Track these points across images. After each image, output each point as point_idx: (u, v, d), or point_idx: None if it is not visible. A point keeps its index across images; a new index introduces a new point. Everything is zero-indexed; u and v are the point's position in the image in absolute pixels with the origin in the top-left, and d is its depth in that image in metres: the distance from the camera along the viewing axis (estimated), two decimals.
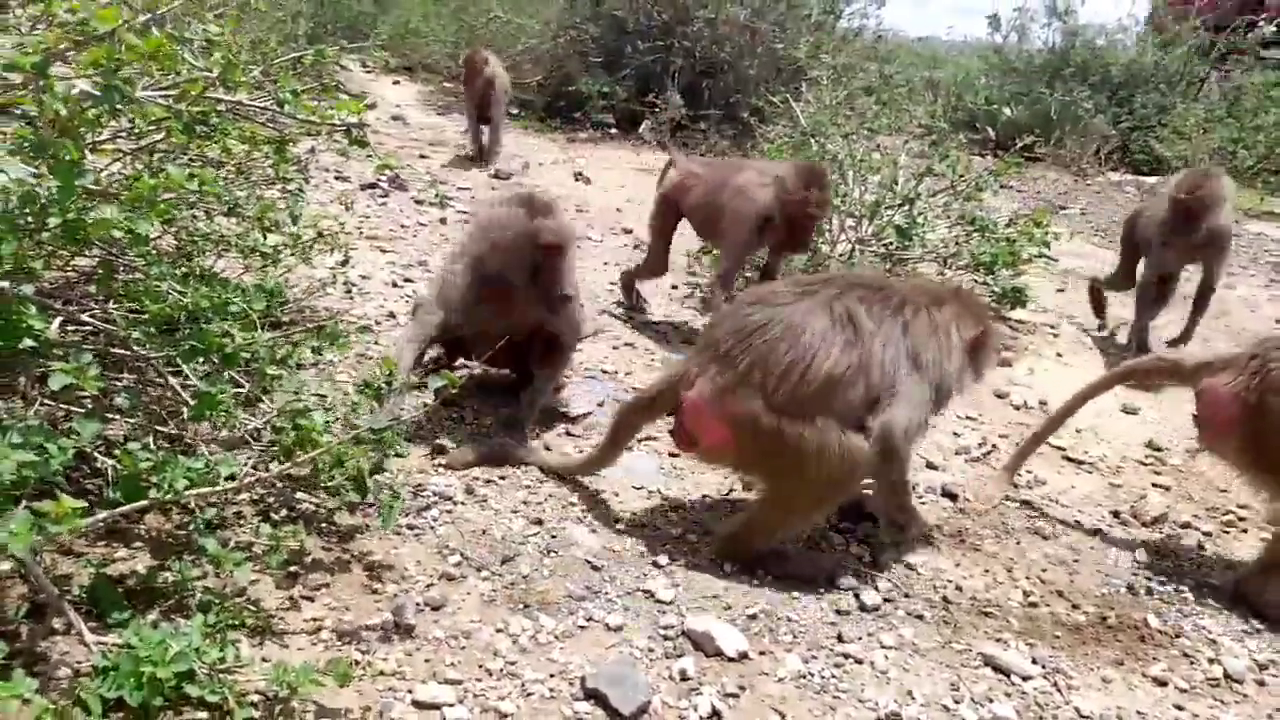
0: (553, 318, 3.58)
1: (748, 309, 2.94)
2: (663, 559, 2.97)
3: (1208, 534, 3.64)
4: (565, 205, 7.22)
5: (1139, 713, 2.60)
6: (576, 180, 8.34)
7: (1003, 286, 5.86)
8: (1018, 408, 4.66)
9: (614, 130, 10.74)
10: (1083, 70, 14.05)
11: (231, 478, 2.33)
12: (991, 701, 2.55)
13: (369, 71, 12.26)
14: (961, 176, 6.15)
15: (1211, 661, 2.87)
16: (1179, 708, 2.65)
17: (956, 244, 6.05)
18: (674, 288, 5.89)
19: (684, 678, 2.46)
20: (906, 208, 5.94)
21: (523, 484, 3.32)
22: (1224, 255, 5.33)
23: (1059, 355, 5.46)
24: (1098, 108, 13.33)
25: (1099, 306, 6.07)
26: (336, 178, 6.78)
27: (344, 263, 3.88)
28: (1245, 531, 3.69)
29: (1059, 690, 2.65)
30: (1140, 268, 5.68)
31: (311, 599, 2.53)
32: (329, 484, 2.70)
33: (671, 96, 10.41)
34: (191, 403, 2.49)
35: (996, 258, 5.84)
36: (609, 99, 10.62)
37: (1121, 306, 6.10)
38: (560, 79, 11.23)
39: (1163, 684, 2.74)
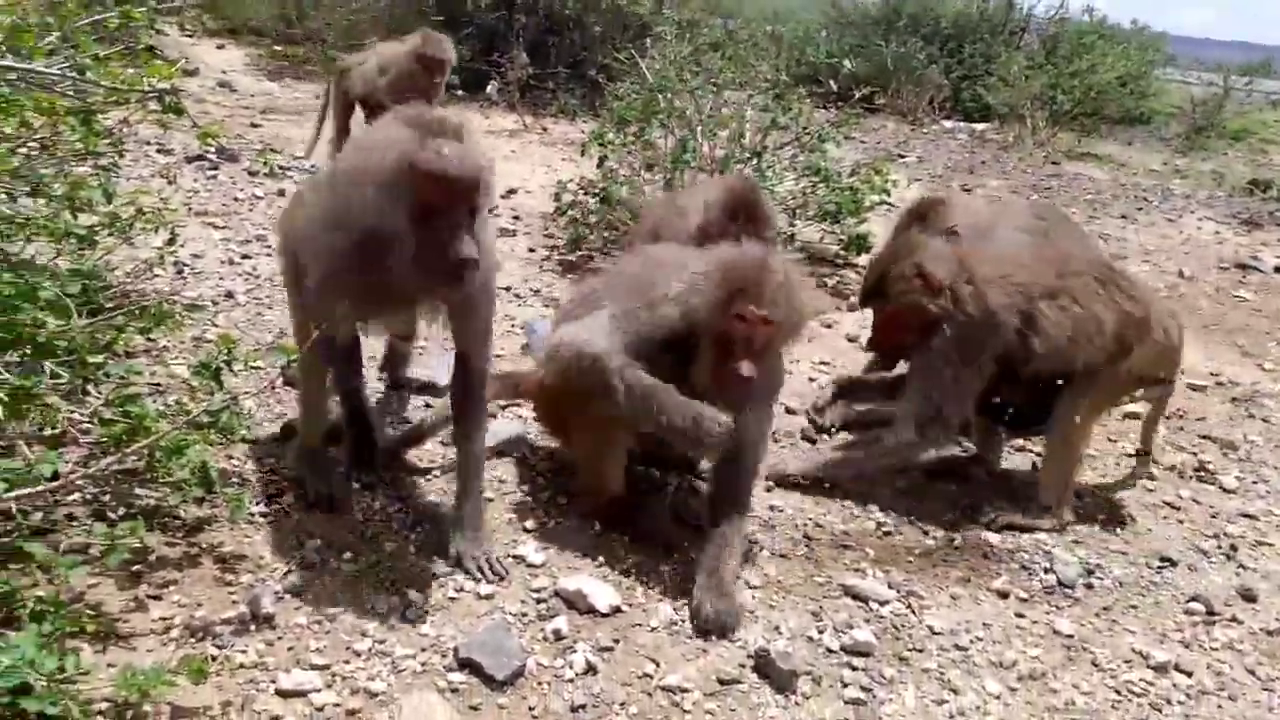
0: (448, 301, 2.63)
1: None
2: (531, 523, 2.96)
3: (1039, 455, 3.92)
4: None
5: (984, 624, 2.79)
6: None
7: (848, 234, 6.07)
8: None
9: (460, 92, 10.44)
10: (914, 22, 14.64)
11: (55, 476, 2.17)
12: (852, 628, 2.67)
13: (190, 35, 11.45)
14: (806, 129, 6.31)
15: (1047, 571, 3.11)
16: (1020, 615, 2.86)
17: (804, 194, 6.22)
18: (531, 251, 5.82)
19: (558, 637, 2.47)
20: (755, 161, 6.05)
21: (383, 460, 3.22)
22: None
23: None
24: (930, 58, 13.95)
25: None
26: (158, 150, 6.32)
27: (171, 241, 3.63)
28: None
29: (913, 611, 2.81)
30: None
31: (159, 598, 2.39)
32: (168, 478, 2.54)
33: (517, 56, 10.19)
34: (4, 399, 2.29)
35: (841, 206, 6.04)
36: None
37: None
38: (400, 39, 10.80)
39: (1005, 595, 2.95)
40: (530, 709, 2.23)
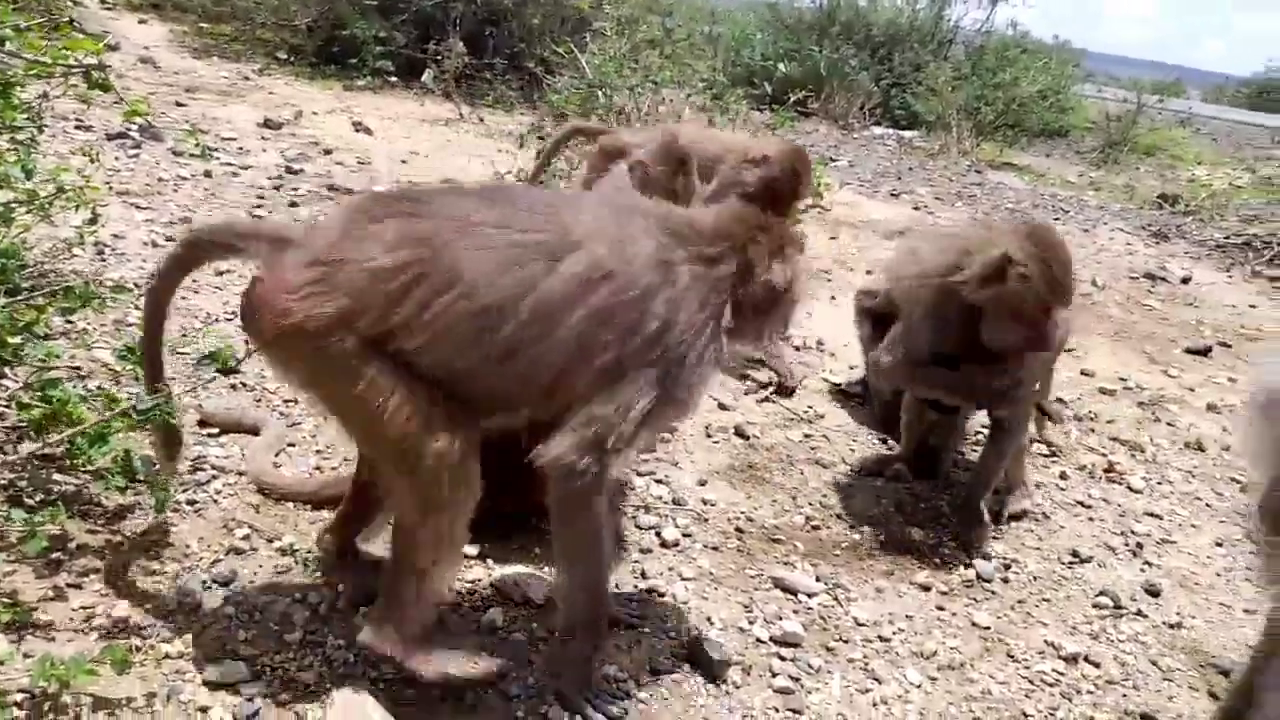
0: None
1: None
2: None
3: (960, 454, 4.06)
4: (345, 157, 6.90)
5: (907, 615, 2.89)
6: (356, 131, 7.93)
7: None
8: (798, 348, 4.96)
9: (394, 79, 10.27)
10: (847, 29, 14.91)
11: None
12: (781, 619, 2.74)
13: (109, 8, 11.01)
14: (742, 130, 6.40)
15: (966, 566, 3.22)
16: (940, 608, 2.97)
17: None
18: None
19: (492, 629, 2.47)
20: None
21: (314, 449, 3.18)
22: None
23: (832, 298, 5.84)
24: (861, 65, 14.22)
25: None
26: (77, 127, 6.07)
27: (93, 221, 3.50)
28: None
29: (839, 603, 2.90)
30: None
31: (79, 586, 2.32)
32: (88, 466, 2.46)
33: (454, 44, 10.07)
34: None
35: None
36: (387, 45, 10.13)
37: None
38: (333, 22, 10.56)
39: (926, 589, 3.06)
40: (464, 702, 2.23)
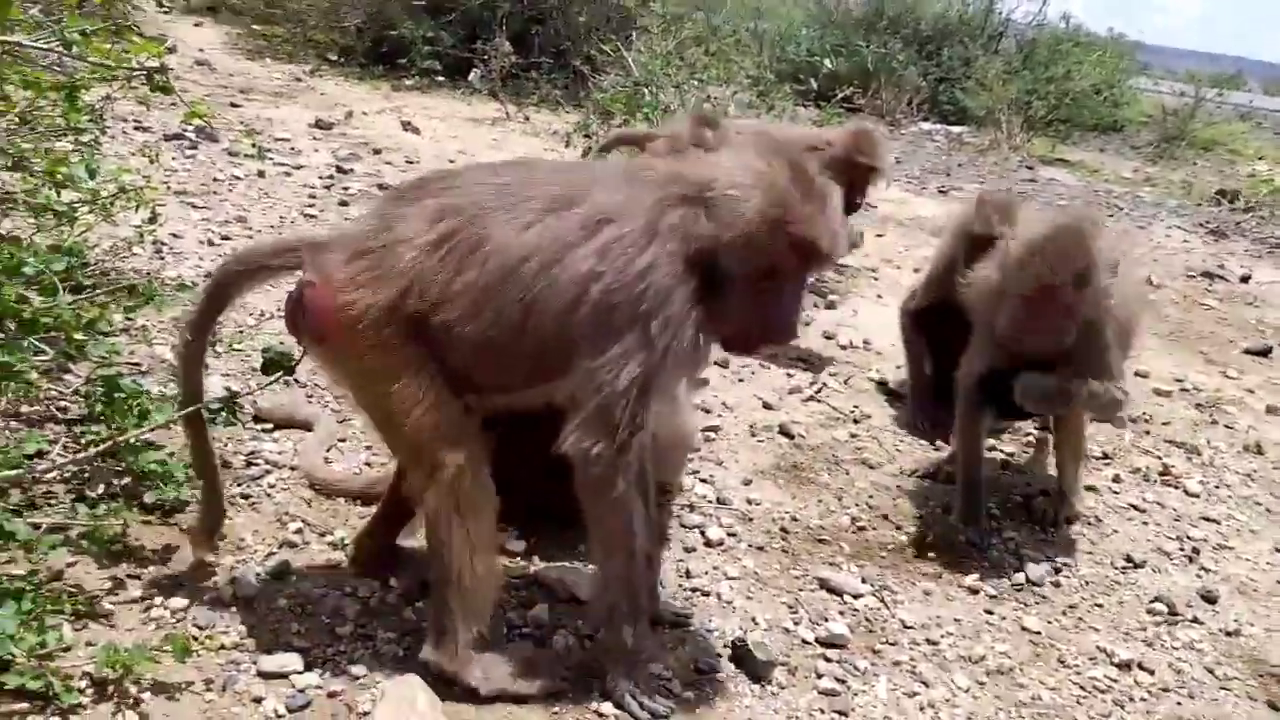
0: None
1: None
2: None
3: (1010, 454, 4.00)
4: (394, 157, 6.99)
5: (955, 619, 2.86)
6: (405, 130, 8.04)
7: None
8: (844, 347, 4.92)
9: (441, 78, 10.38)
10: (895, 24, 14.74)
11: (39, 455, 2.16)
12: (827, 620, 2.73)
13: (165, 11, 11.25)
14: None
15: (1016, 570, 3.17)
16: (989, 612, 2.93)
17: None
18: None
19: (538, 625, 2.50)
20: None
21: (364, 445, 3.23)
22: None
23: (879, 297, 5.78)
24: (909, 60, 14.05)
25: None
26: (136, 128, 6.24)
27: (152, 220, 3.60)
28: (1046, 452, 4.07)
29: (886, 605, 2.87)
30: None
31: (138, 577, 2.38)
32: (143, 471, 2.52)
33: (500, 43, 10.15)
34: None
35: None
36: (435, 45, 10.25)
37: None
38: (382, 23, 10.71)
39: (975, 592, 3.02)
40: None
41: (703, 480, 3.39)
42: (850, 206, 4.77)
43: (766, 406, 4.08)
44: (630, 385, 2.07)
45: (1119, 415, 3.48)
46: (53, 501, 2.54)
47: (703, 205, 2.12)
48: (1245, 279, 7.44)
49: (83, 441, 2.52)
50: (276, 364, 2.46)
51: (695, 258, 2.11)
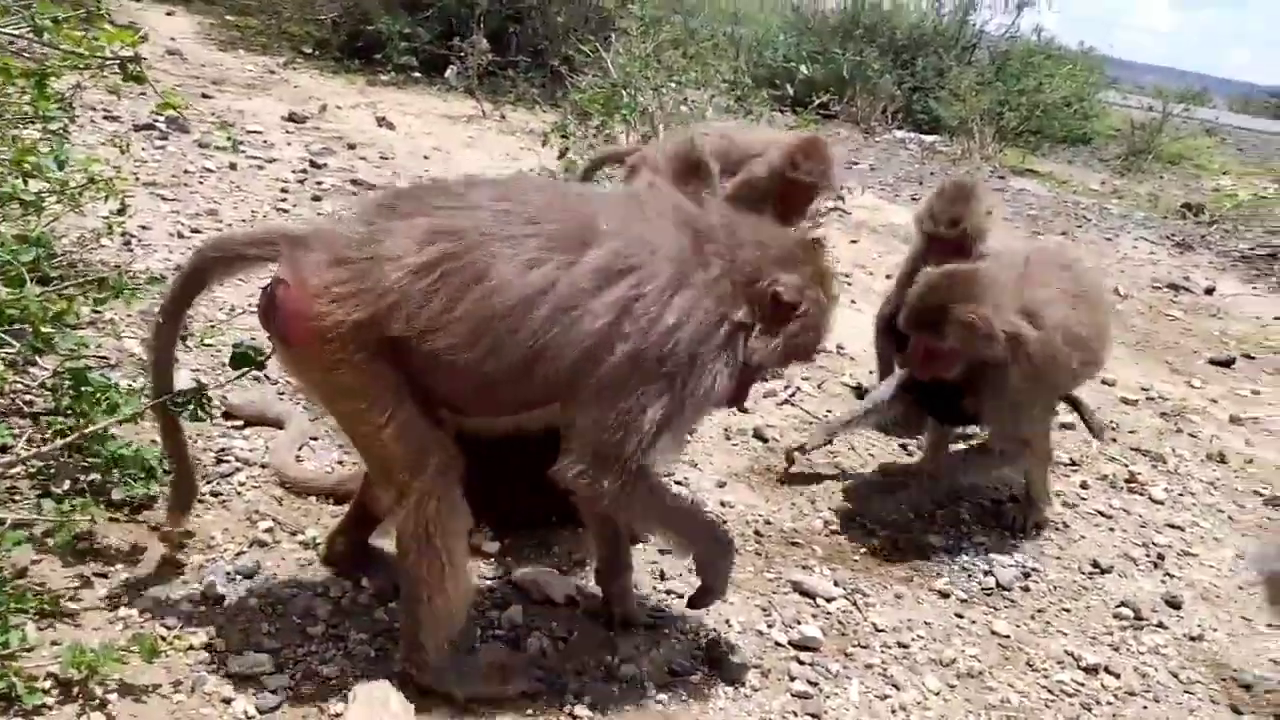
0: None
1: None
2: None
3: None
4: (368, 153, 6.93)
5: (925, 622, 2.88)
6: (379, 125, 7.97)
7: None
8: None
9: (417, 75, 10.31)
10: (871, 32, 14.86)
11: (4, 449, 2.11)
12: (800, 623, 2.74)
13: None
14: None
15: (986, 574, 3.21)
16: (959, 615, 2.96)
17: None
18: None
19: (513, 626, 2.49)
20: None
21: (336, 443, 3.19)
22: None
23: (853, 302, 5.82)
24: (884, 69, 14.17)
25: None
26: (105, 117, 6.13)
27: (121, 211, 3.53)
28: None
29: (858, 608, 2.89)
30: None
31: (106, 576, 2.34)
32: (112, 463, 2.47)
33: (478, 41, 10.09)
34: None
35: None
36: (411, 41, 10.17)
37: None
38: (358, 17, 10.61)
39: (945, 595, 3.05)
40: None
41: (677, 483, 3.39)
42: (785, 223, 4.49)
43: (740, 410, 4.09)
44: (650, 429, 2.07)
45: (1016, 462, 3.53)
46: (17, 497, 2.49)
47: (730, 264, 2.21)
48: (1210, 291, 7.59)
49: (49, 434, 2.46)
50: (246, 358, 2.42)
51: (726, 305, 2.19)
